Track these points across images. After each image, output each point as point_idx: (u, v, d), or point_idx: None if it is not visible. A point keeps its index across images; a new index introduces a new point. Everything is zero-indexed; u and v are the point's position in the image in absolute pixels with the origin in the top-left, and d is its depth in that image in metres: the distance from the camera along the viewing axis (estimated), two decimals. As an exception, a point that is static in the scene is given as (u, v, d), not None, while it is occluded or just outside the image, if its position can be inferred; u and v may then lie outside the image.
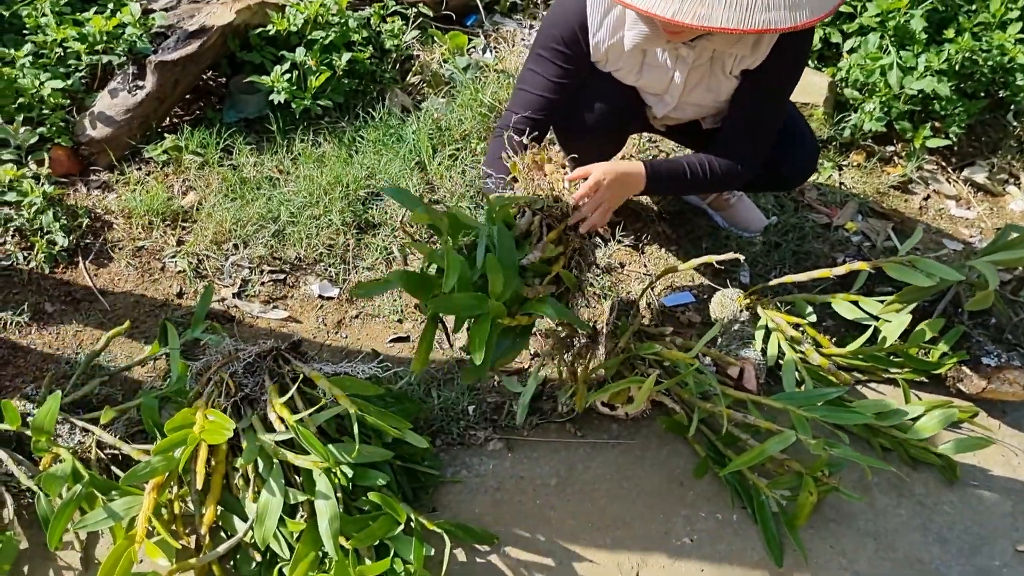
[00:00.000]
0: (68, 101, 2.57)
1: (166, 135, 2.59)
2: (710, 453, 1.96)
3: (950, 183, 2.92)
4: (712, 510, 1.91)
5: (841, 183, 2.85)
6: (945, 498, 1.98)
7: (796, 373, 2.04)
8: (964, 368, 2.10)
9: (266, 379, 1.79)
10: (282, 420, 1.72)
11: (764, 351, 2.12)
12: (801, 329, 2.17)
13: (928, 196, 2.86)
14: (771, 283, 2.19)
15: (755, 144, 2.02)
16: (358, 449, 1.63)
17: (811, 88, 2.92)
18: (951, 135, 2.86)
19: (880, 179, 2.87)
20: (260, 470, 1.72)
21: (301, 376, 1.81)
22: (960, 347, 2.13)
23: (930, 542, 1.89)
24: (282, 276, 2.30)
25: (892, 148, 2.98)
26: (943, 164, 2.96)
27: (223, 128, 2.65)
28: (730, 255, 1.95)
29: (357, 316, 2.24)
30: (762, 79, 1.93)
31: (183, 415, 1.66)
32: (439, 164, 2.61)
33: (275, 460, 1.70)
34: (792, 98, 2.20)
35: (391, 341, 2.18)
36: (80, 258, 2.26)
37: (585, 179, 1.81)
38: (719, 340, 2.18)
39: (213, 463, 1.75)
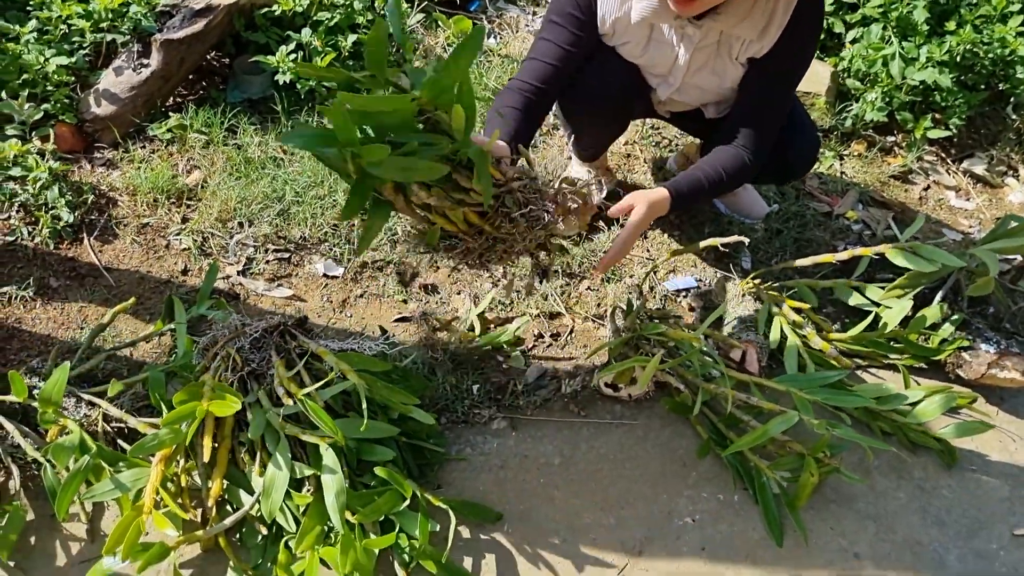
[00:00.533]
0: (72, 78, 2.57)
1: (170, 114, 2.58)
2: (712, 435, 1.98)
3: (950, 174, 2.94)
4: (714, 491, 1.92)
5: (842, 172, 2.87)
6: (944, 482, 2.00)
7: (798, 357, 2.06)
8: (963, 355, 2.12)
9: (273, 354, 1.80)
10: (289, 395, 1.73)
11: (766, 335, 2.13)
12: (803, 314, 2.18)
13: (928, 186, 2.88)
14: (774, 268, 2.20)
15: (763, 133, 2.01)
16: (366, 424, 1.64)
17: (813, 77, 2.94)
18: (951, 126, 2.89)
19: (881, 169, 2.89)
20: (266, 444, 1.73)
21: (308, 351, 1.82)
22: (959, 334, 2.15)
23: (929, 525, 1.92)
24: (287, 255, 2.30)
25: (893, 138, 2.99)
26: (943, 155, 2.98)
27: (227, 108, 2.64)
28: (734, 238, 1.96)
29: (362, 295, 2.25)
30: (770, 66, 1.93)
31: (191, 389, 1.66)
32: (443, 147, 2.61)
33: (282, 434, 1.70)
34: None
35: (396, 320, 2.19)
36: (85, 234, 2.26)
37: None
38: (722, 324, 2.20)
39: (220, 437, 1.76)
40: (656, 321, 1.95)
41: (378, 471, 1.70)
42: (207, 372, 1.79)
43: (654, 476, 1.94)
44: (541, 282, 1.79)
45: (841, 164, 2.90)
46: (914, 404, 2.01)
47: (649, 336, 1.90)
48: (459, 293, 2.25)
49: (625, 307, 2.08)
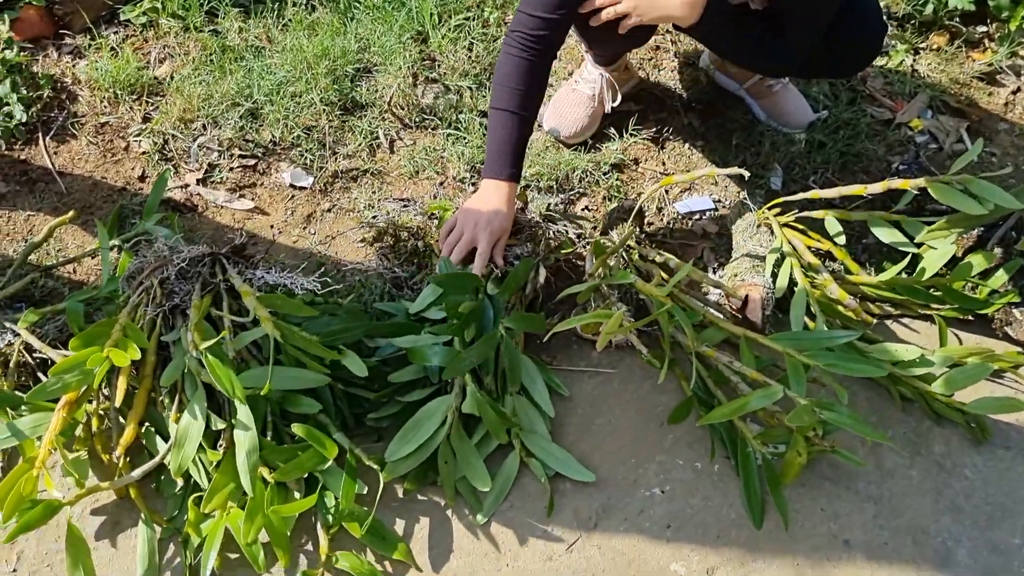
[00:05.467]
0: (43, -47, 2.35)
1: (146, -6, 2.35)
2: (698, 391, 1.73)
3: (1048, 74, 2.47)
4: (691, 458, 1.70)
5: (914, 70, 2.44)
6: (968, 460, 1.72)
7: (807, 308, 1.76)
8: (1014, 311, 1.79)
9: (196, 289, 1.63)
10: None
11: (775, 276, 1.84)
12: (823, 253, 1.87)
13: (1018, 89, 2.43)
14: (794, 198, 1.88)
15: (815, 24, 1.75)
16: (269, 383, 1.47)
17: (890, -47, 2.47)
18: (1056, 16, 2.40)
19: (963, 67, 2.45)
20: (185, 389, 1.59)
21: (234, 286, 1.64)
22: (1016, 285, 1.81)
23: (941, 510, 1.66)
24: (253, 162, 2.09)
25: (983, 29, 2.53)
26: (1043, 50, 2.51)
27: (211, -14, 2.39)
28: (733, 170, 1.65)
29: (330, 210, 2.04)
30: None
31: (98, 328, 1.52)
32: (443, 36, 2.32)
33: (198, 381, 1.55)
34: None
35: (361, 240, 1.98)
36: (40, 134, 2.10)
37: None
38: (732, 260, 1.92)
39: (141, 376, 1.63)
40: (647, 261, 1.68)
41: (296, 428, 1.53)
42: (127, 306, 1.64)
43: (625, 436, 1.72)
44: None
45: (914, 60, 2.47)
46: (948, 365, 1.71)
47: (617, 285, 1.64)
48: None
49: (619, 231, 1.82)
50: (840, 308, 1.79)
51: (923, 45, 2.50)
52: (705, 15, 1.72)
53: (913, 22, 2.50)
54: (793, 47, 1.84)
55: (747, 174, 1.65)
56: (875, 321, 1.82)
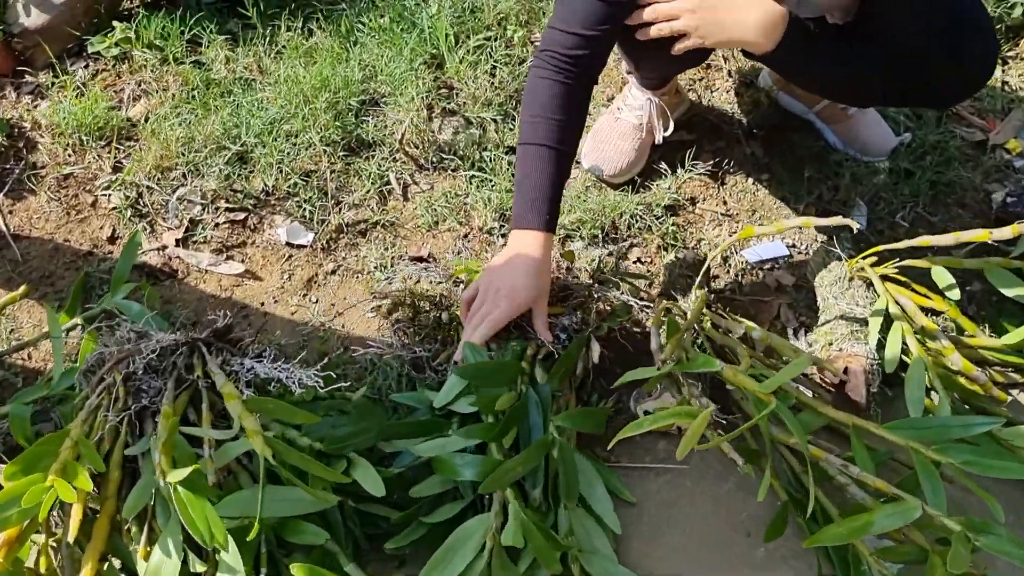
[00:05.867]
0: (-1, -20, 2.05)
1: (114, 23, 2.04)
2: (792, 491, 1.40)
3: None
4: (790, 578, 1.37)
5: (1004, 83, 2.12)
6: None
7: (927, 385, 1.43)
8: None
9: (168, 388, 1.31)
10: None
11: (881, 344, 1.50)
12: (935, 316, 1.54)
13: None
14: (898, 245, 1.55)
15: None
16: (260, 511, 1.14)
17: (972, -51, 2.15)
18: None
19: (1060, 77, 2.12)
20: (157, 516, 1.27)
21: (226, 382, 1.31)
22: None
23: (1106, 639, 1.32)
24: (242, 216, 1.77)
25: (1081, 33, 2.20)
26: None
27: (192, 10, 2.08)
28: (836, 220, 1.33)
29: (334, 272, 1.72)
30: None
31: (45, 445, 1.20)
32: (461, 60, 2.00)
33: (172, 508, 1.23)
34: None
35: (373, 309, 1.66)
36: (-7, 190, 1.79)
37: None
38: (822, 323, 1.59)
39: (102, 496, 1.30)
40: (709, 353, 1.35)
41: (296, 571, 1.20)
42: (84, 410, 1.32)
43: (704, 551, 1.39)
44: None
45: (1004, 71, 2.14)
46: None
47: (698, 373, 1.31)
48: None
49: (677, 306, 1.49)
50: (963, 382, 1.45)
51: (1012, 53, 2.18)
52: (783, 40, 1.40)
53: (1000, 27, 2.17)
54: (879, 68, 1.50)
55: (856, 226, 1.32)
56: (1009, 399, 1.48)
